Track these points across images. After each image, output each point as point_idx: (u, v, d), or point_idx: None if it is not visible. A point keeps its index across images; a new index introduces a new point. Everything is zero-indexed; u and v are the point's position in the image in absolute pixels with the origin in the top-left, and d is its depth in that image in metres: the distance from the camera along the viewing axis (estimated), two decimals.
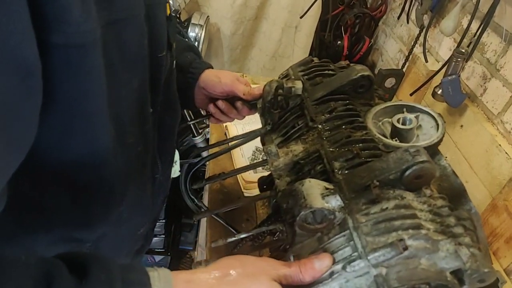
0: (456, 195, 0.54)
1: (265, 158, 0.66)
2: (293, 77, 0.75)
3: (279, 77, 0.78)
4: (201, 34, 1.64)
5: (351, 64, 0.72)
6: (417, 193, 0.50)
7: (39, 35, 0.34)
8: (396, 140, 0.59)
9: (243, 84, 0.80)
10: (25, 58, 0.34)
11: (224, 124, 1.28)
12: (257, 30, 1.90)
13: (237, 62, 1.98)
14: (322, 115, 0.65)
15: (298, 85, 0.70)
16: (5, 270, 0.36)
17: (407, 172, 0.48)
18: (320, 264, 0.46)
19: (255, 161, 1.14)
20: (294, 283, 0.47)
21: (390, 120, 0.63)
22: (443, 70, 1.11)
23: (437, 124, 0.62)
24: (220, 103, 0.81)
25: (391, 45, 1.69)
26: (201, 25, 1.65)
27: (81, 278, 0.38)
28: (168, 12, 0.59)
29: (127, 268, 0.42)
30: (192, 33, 1.63)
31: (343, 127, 0.62)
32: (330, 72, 0.74)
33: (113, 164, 0.51)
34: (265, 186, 0.76)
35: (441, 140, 0.60)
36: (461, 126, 1.11)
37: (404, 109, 0.63)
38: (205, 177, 1.08)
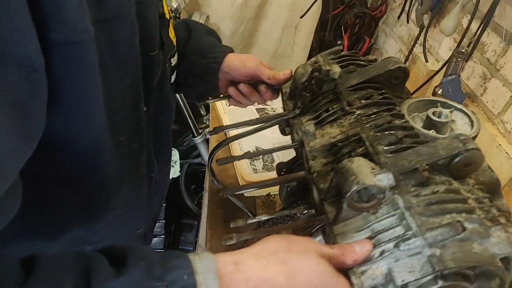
0: (491, 189, 0.54)
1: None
2: (323, 63, 0.74)
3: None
4: None
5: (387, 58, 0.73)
6: (461, 181, 0.50)
7: (38, 32, 0.35)
8: (433, 132, 0.60)
9: (267, 68, 0.80)
10: (28, 54, 0.34)
11: (225, 124, 1.28)
12: (257, 29, 1.90)
13: None
14: (359, 101, 0.65)
15: (336, 69, 0.70)
16: (42, 266, 0.36)
17: (457, 159, 0.48)
18: (361, 248, 0.46)
19: (254, 161, 1.14)
20: (336, 265, 0.46)
21: (420, 115, 0.64)
22: (443, 70, 1.11)
23: (471, 121, 0.63)
24: (242, 86, 0.81)
25: (391, 45, 1.69)
26: None
27: (120, 267, 0.38)
28: (161, 10, 0.59)
29: (166, 254, 0.41)
30: None
31: (382, 114, 0.62)
32: (361, 62, 0.74)
33: (110, 162, 0.51)
34: (282, 173, 0.76)
35: (476, 136, 0.60)
36: None
37: (438, 104, 0.64)
38: (205, 177, 1.08)
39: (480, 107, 1.09)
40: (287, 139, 1.21)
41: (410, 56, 1.45)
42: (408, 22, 1.51)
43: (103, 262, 0.39)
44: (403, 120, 0.60)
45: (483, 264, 0.43)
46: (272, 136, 1.23)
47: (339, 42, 1.77)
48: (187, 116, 1.69)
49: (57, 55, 0.38)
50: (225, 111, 1.36)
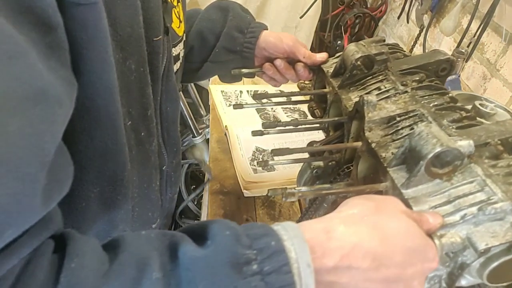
0: None
1: (263, 160, 0.66)
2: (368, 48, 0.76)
3: None
4: None
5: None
6: None
7: None
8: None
9: (303, 47, 0.80)
10: (43, 11, 0.33)
11: (224, 124, 1.28)
12: None
13: None
14: (412, 83, 0.66)
15: (386, 50, 0.71)
16: (127, 244, 0.36)
17: None
18: (434, 220, 0.45)
19: (255, 161, 1.14)
20: None
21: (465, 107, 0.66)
22: None
23: None
24: (278, 61, 0.80)
25: None
26: None
27: (205, 241, 0.38)
28: None
29: (247, 225, 0.40)
30: None
31: (437, 96, 0.63)
32: (405, 52, 0.76)
33: (125, 146, 0.51)
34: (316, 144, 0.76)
35: None
36: None
37: (482, 98, 0.66)
38: (206, 178, 1.08)
39: None
40: (288, 139, 1.21)
41: None
42: (408, 22, 1.51)
43: (186, 237, 0.38)
44: (460, 104, 0.61)
45: None
46: (271, 136, 1.23)
47: (339, 42, 1.77)
48: (187, 116, 1.69)
49: (74, 19, 0.37)
50: (225, 111, 1.36)
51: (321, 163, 0.72)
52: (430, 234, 0.45)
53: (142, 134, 0.57)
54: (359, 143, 0.60)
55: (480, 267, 0.45)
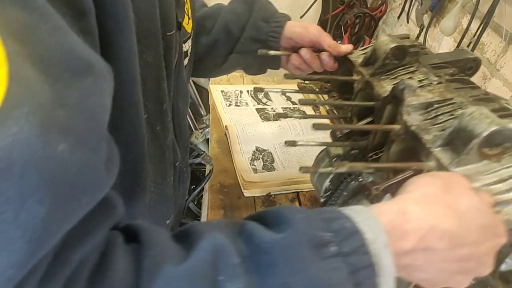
0: None
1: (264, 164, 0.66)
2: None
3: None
4: None
5: None
6: None
7: None
8: None
9: (328, 37, 0.81)
10: (81, 53, 0.32)
11: (225, 124, 1.28)
12: None
13: None
14: (445, 75, 0.67)
15: (420, 44, 0.72)
16: (200, 232, 0.36)
17: None
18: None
19: (254, 161, 1.14)
20: None
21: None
22: None
23: None
24: (304, 51, 0.81)
25: None
26: None
27: (278, 226, 0.37)
28: None
29: (317, 209, 0.40)
30: None
31: (469, 89, 0.63)
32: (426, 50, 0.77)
33: (143, 138, 0.51)
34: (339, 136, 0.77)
35: None
36: None
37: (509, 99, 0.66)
38: (205, 178, 1.08)
39: None
40: (288, 139, 1.21)
41: None
42: (408, 22, 1.51)
43: (256, 223, 0.38)
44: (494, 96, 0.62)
45: None
46: (271, 136, 1.23)
47: (339, 42, 1.77)
48: (188, 117, 1.69)
49: (104, 6, 0.37)
50: (225, 111, 1.36)
51: (340, 151, 0.73)
52: None
53: (158, 128, 0.57)
54: (397, 126, 0.60)
55: None
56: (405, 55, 0.70)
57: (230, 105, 1.40)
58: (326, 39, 0.80)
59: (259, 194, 1.05)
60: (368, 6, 1.79)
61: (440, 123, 0.56)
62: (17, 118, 0.23)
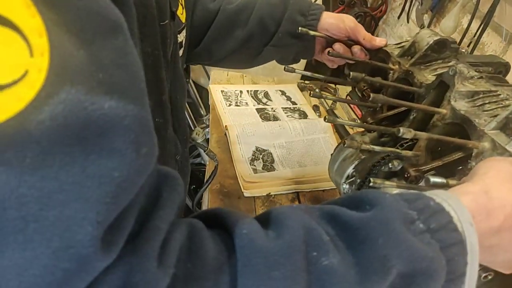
0: None
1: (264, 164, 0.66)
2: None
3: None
4: None
5: None
6: None
7: None
8: None
9: (363, 29, 0.81)
10: (109, 14, 0.32)
11: (225, 124, 1.28)
12: None
13: None
14: (484, 73, 0.68)
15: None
16: (287, 214, 0.36)
17: None
18: None
19: (254, 161, 1.14)
20: None
21: None
22: None
23: None
24: (337, 45, 0.82)
25: None
26: None
27: (364, 207, 0.37)
28: None
29: (397, 192, 0.40)
30: None
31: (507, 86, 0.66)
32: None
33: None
34: (370, 120, 0.78)
35: None
36: None
37: None
38: (205, 178, 1.08)
39: None
40: (288, 139, 1.21)
41: None
42: (408, 22, 1.51)
43: (337, 206, 0.38)
44: None
45: None
46: (271, 136, 1.23)
47: None
48: (187, 116, 1.69)
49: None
50: (225, 111, 1.36)
51: (367, 139, 0.74)
52: None
53: (157, 120, 0.57)
54: (444, 110, 0.62)
55: None
56: (446, 49, 0.72)
57: (230, 105, 1.40)
58: (361, 31, 0.80)
59: (259, 194, 1.05)
60: (369, 6, 1.79)
61: (489, 110, 0.59)
62: (63, 84, 0.24)
